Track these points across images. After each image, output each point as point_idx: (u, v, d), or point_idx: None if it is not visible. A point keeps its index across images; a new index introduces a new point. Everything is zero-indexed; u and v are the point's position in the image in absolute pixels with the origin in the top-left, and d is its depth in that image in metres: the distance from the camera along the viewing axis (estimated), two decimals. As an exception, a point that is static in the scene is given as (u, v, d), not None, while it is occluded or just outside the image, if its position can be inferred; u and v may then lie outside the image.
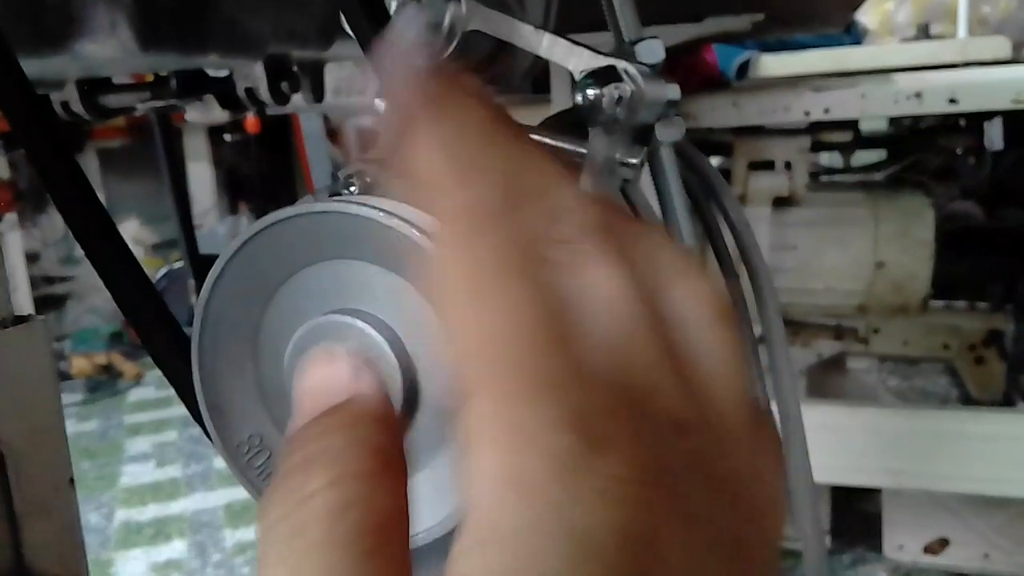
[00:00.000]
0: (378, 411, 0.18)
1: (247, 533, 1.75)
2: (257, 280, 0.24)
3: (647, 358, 0.16)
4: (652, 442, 0.15)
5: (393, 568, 0.16)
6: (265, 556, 0.16)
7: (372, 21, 0.23)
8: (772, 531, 0.17)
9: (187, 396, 0.27)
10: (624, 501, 0.14)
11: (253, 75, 0.54)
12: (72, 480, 0.22)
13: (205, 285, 0.26)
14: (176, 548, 1.72)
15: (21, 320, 0.22)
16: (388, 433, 0.18)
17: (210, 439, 0.27)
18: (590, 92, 0.26)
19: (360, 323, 0.23)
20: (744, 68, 1.17)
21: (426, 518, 0.22)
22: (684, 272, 0.18)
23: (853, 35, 1.48)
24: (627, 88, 0.26)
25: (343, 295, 0.23)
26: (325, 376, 0.19)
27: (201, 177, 3.46)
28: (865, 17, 1.59)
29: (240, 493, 1.93)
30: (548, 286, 0.16)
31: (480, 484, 0.14)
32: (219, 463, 2.09)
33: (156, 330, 0.27)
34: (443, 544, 0.21)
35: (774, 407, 0.36)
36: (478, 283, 0.15)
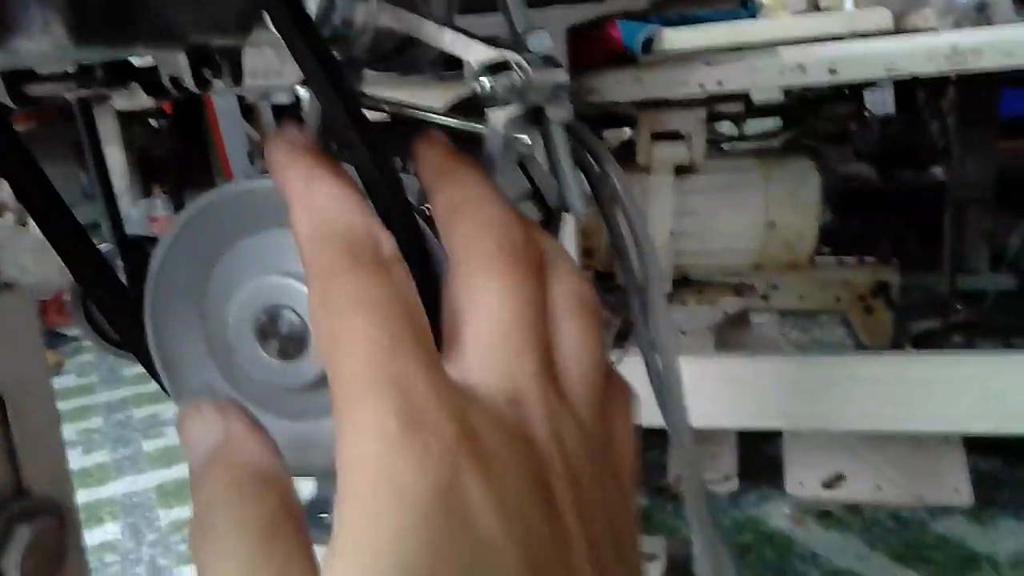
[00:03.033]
0: (253, 447, 0.22)
1: (181, 512, 1.75)
2: (202, 248, 0.27)
3: (511, 347, 0.21)
4: (463, 417, 0.19)
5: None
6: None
7: (293, 18, 0.26)
8: (625, 467, 0.23)
9: (141, 354, 0.29)
10: (432, 465, 0.18)
11: (176, 63, 0.55)
12: (58, 419, 0.26)
13: (154, 255, 0.29)
14: (110, 531, 1.70)
15: (7, 287, 0.25)
16: (269, 458, 0.22)
17: (165, 391, 0.29)
18: (485, 81, 0.29)
19: (294, 282, 0.26)
20: (649, 43, 1.22)
21: None
22: (562, 267, 0.23)
23: (749, 9, 1.55)
24: (517, 77, 0.30)
25: (279, 259, 0.26)
26: (201, 428, 0.22)
27: (112, 160, 3.33)
28: (759, -8, 1.66)
29: (171, 474, 1.92)
30: (397, 297, 0.20)
31: (338, 465, 0.19)
32: (148, 446, 2.06)
33: (111, 298, 0.29)
34: None
35: (657, 359, 0.41)
36: (336, 308, 0.20)
